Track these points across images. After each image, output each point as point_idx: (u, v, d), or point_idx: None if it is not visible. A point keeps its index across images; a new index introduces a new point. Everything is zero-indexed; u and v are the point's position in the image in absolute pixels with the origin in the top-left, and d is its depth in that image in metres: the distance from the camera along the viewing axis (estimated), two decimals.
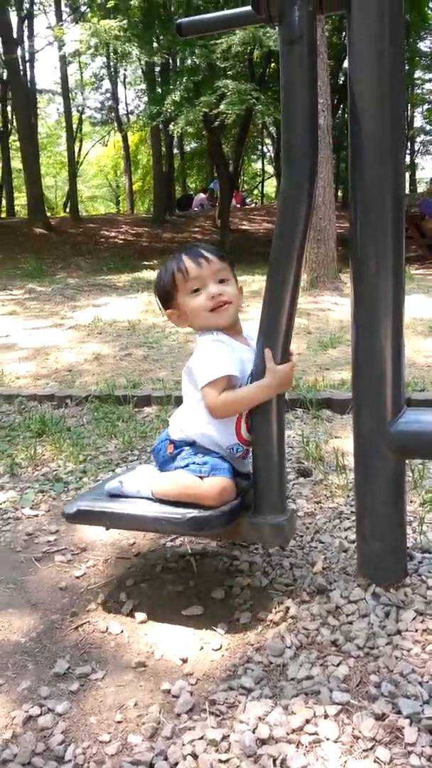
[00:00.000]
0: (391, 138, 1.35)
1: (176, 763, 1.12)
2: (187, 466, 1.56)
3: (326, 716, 1.19)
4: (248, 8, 1.45)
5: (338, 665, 1.32)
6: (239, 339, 1.66)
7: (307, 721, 1.17)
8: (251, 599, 1.61)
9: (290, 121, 1.38)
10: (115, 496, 1.62)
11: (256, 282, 8.80)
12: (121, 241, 16.01)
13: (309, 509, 2.09)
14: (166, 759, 1.13)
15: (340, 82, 16.80)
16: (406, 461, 1.56)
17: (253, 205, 25.18)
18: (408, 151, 25.02)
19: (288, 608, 1.52)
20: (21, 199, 23.88)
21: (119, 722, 1.25)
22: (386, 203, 1.38)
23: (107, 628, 1.53)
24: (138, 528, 1.76)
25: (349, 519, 1.98)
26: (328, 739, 1.13)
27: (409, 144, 24.90)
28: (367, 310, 1.44)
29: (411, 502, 2.06)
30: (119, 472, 1.80)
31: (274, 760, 1.10)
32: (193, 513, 1.47)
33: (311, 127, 1.38)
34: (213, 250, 1.63)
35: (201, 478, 1.51)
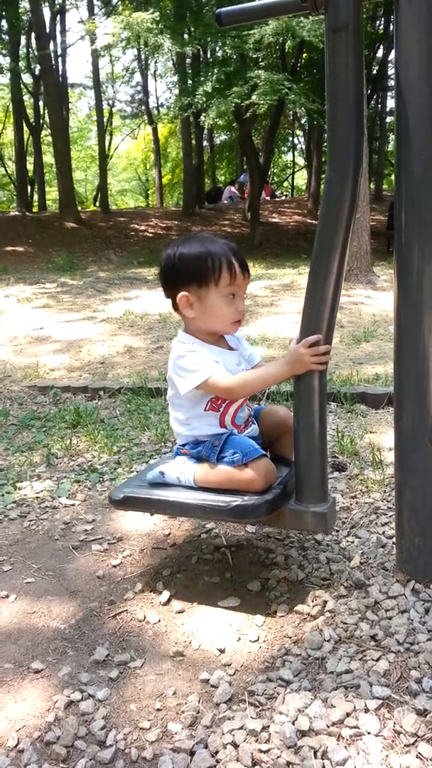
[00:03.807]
0: None
1: (216, 752, 1.13)
2: (220, 459, 1.57)
3: (367, 710, 1.18)
4: None
5: (378, 660, 1.31)
6: (220, 344, 1.67)
7: (348, 715, 1.17)
8: (288, 592, 1.60)
9: (335, 111, 1.36)
10: (157, 484, 1.64)
11: (287, 275, 8.76)
12: (151, 235, 16.07)
13: (345, 504, 2.08)
14: (206, 747, 1.14)
15: (374, 71, 16.53)
16: None
17: (283, 198, 25.00)
18: None
19: (325, 602, 1.52)
20: (52, 194, 24.14)
21: (159, 710, 1.26)
22: None
23: (145, 617, 1.55)
24: (182, 515, 1.79)
25: (385, 514, 1.96)
26: (369, 733, 1.13)
27: None
28: (411, 302, 1.42)
29: None
30: (155, 462, 1.81)
31: (315, 752, 1.10)
32: (237, 501, 1.48)
33: (357, 116, 1.36)
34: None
35: (242, 466, 1.52)
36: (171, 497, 1.58)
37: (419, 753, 1.08)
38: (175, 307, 1.64)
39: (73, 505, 2.21)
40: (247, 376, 1.58)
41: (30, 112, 20.39)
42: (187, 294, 1.59)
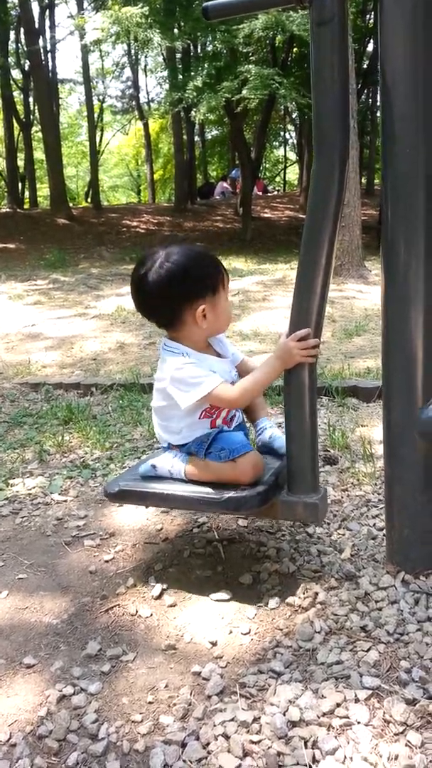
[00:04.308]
0: (424, 118, 1.33)
1: (208, 743, 1.14)
2: (207, 455, 1.58)
3: (357, 700, 1.19)
4: None
5: (368, 651, 1.32)
6: (210, 351, 1.67)
7: (338, 705, 1.18)
8: (279, 585, 1.61)
9: (321, 105, 1.36)
10: (150, 478, 1.66)
11: (279, 270, 8.76)
12: (143, 231, 16.02)
13: (336, 497, 2.09)
14: (198, 739, 1.15)
15: (364, 66, 16.51)
16: None
17: (275, 193, 24.97)
18: None
19: (316, 594, 1.53)
20: (43, 190, 24.01)
21: (150, 703, 1.27)
22: (418, 187, 1.36)
23: (137, 611, 1.56)
24: (177, 507, 1.84)
25: (376, 507, 1.98)
26: (359, 723, 1.14)
27: None
28: (398, 295, 1.42)
29: None
30: (150, 455, 1.82)
31: (306, 742, 1.11)
32: (230, 493, 1.51)
33: (343, 110, 1.36)
34: None
35: (230, 461, 1.54)
36: (165, 490, 1.60)
37: (408, 741, 1.09)
38: (171, 322, 1.58)
39: (65, 501, 2.21)
40: (246, 385, 1.56)
41: (20, 108, 20.26)
42: (203, 306, 1.54)
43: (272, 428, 1.78)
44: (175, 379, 1.54)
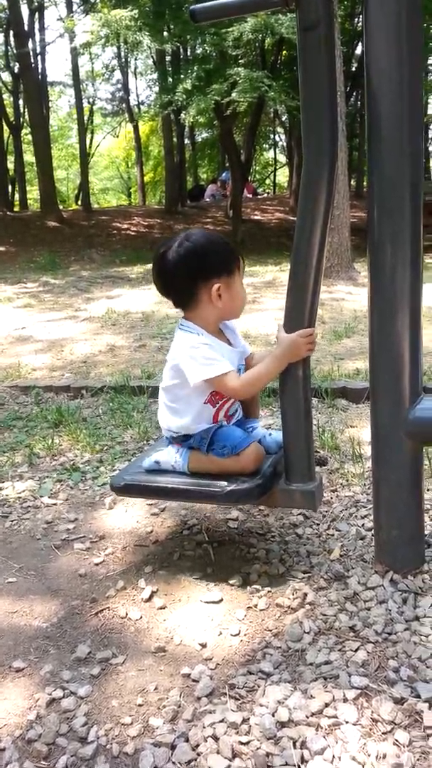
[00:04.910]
0: (409, 124, 1.34)
1: (197, 745, 1.14)
2: (210, 450, 1.63)
3: (345, 700, 1.20)
4: None
5: (357, 650, 1.33)
6: (222, 338, 1.71)
7: (327, 705, 1.19)
8: (268, 586, 1.62)
9: (309, 109, 1.38)
10: (154, 471, 1.72)
11: (269, 272, 8.78)
12: (133, 233, 16.00)
13: (325, 498, 2.10)
14: (187, 741, 1.15)
15: (353, 68, 16.59)
16: (424, 448, 1.56)
17: (265, 195, 25.03)
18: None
19: (306, 594, 1.54)
20: (33, 192, 23.94)
21: (140, 705, 1.27)
22: (404, 191, 1.37)
23: (127, 614, 1.55)
24: (179, 500, 1.91)
25: (365, 507, 1.98)
26: (347, 722, 1.14)
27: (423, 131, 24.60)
28: (384, 296, 1.44)
29: (428, 489, 2.05)
30: (151, 446, 1.85)
31: (294, 742, 1.11)
32: (231, 486, 1.57)
33: (331, 113, 1.37)
34: None
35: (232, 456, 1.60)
36: (168, 483, 1.67)
37: (396, 740, 1.10)
38: (187, 300, 1.64)
39: (55, 504, 2.21)
40: (251, 378, 1.62)
41: (10, 110, 20.21)
42: (218, 284, 1.60)
43: (262, 429, 1.81)
44: (189, 355, 1.60)
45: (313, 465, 1.64)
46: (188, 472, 1.68)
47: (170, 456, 1.71)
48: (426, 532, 1.65)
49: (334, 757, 1.08)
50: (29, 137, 18.79)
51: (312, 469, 1.63)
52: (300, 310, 1.53)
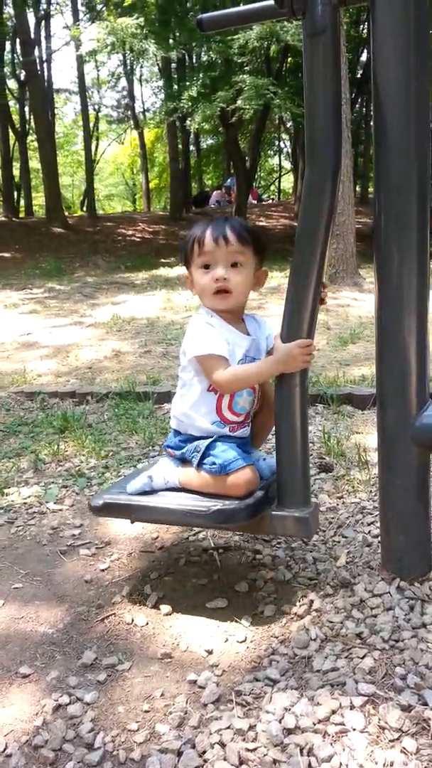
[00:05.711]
0: (416, 130, 1.35)
1: (204, 752, 1.13)
2: (201, 465, 1.57)
3: (352, 707, 1.19)
4: (270, 2, 1.44)
5: (363, 657, 1.32)
6: (238, 326, 1.67)
7: (333, 712, 1.18)
8: (275, 592, 1.61)
9: (314, 115, 1.38)
10: (145, 493, 1.62)
11: (273, 278, 8.78)
12: (138, 239, 16.07)
13: (331, 504, 2.09)
14: (194, 747, 1.15)
15: (358, 75, 16.65)
16: (431, 455, 1.56)
17: (270, 201, 25.09)
18: None
19: (312, 601, 1.53)
20: (39, 199, 24.07)
21: (147, 711, 1.26)
22: (410, 196, 1.37)
23: (133, 620, 1.55)
24: (163, 521, 1.76)
25: (371, 514, 1.98)
26: (354, 729, 1.14)
27: None
28: (391, 302, 1.44)
29: None
30: (140, 467, 1.82)
31: (301, 750, 1.11)
32: (218, 506, 1.49)
33: (335, 120, 1.38)
34: (239, 229, 1.58)
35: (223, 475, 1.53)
36: (150, 503, 1.57)
37: (403, 748, 1.10)
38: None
39: (60, 510, 2.21)
40: (238, 371, 1.56)
41: (16, 117, 20.36)
42: (186, 274, 1.69)
43: (258, 452, 1.77)
44: (190, 332, 1.62)
45: (308, 488, 1.53)
46: (179, 485, 1.61)
47: (163, 470, 1.66)
48: None
49: (341, 764, 1.08)
50: (35, 144, 18.94)
51: (307, 492, 1.53)
52: (298, 321, 1.49)
